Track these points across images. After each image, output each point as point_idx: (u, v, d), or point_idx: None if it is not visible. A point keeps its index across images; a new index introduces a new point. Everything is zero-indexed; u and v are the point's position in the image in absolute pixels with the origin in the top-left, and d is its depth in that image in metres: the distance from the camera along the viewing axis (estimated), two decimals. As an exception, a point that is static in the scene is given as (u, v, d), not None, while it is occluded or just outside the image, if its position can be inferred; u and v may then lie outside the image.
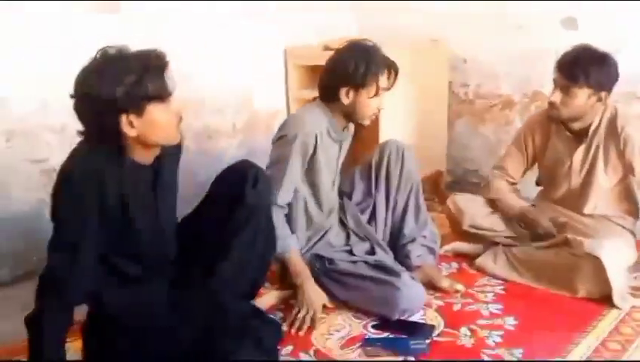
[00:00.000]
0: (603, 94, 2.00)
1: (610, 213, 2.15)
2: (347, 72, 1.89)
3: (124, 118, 1.39)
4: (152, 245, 1.60)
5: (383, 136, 2.69)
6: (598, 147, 2.09)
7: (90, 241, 1.44)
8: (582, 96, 1.99)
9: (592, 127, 2.08)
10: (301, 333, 1.82)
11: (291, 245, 1.93)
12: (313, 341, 1.79)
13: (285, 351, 1.73)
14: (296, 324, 1.85)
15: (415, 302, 1.90)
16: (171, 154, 1.61)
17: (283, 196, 1.94)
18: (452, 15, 3.07)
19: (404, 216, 2.17)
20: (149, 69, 1.39)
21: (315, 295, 1.91)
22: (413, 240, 2.14)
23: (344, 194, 2.25)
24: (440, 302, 2.01)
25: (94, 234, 1.45)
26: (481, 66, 3.08)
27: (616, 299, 1.91)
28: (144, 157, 1.51)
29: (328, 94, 1.97)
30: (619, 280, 1.98)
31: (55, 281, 1.42)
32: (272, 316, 1.85)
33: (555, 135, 2.19)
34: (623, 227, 2.15)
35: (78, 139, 1.47)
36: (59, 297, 1.42)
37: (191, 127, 2.76)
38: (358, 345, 1.76)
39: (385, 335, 1.81)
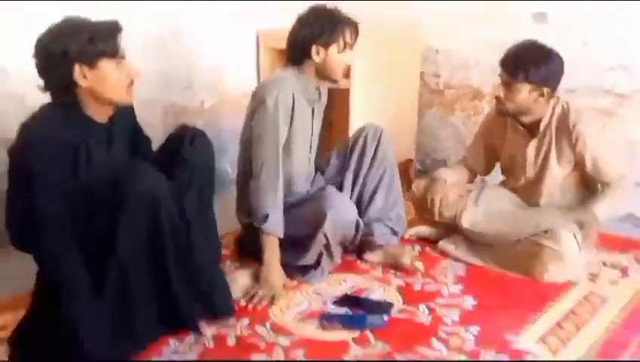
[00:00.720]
0: (545, 90, 2.03)
1: (567, 203, 2.18)
2: (315, 31, 1.94)
3: (77, 68, 1.49)
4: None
5: (354, 124, 2.69)
6: (550, 141, 2.12)
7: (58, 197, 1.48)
8: (523, 92, 2.02)
9: (543, 123, 2.11)
10: (259, 308, 1.80)
11: (278, 229, 1.91)
12: (271, 315, 1.77)
13: (241, 323, 1.71)
14: (255, 301, 1.82)
15: (342, 210, 1.92)
16: (125, 116, 1.67)
17: (274, 172, 1.91)
18: (425, 5, 3.08)
19: (374, 195, 2.16)
20: (101, 29, 1.53)
21: (277, 276, 1.91)
22: (378, 220, 2.14)
23: (319, 170, 2.26)
24: (401, 282, 2.00)
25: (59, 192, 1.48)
26: (452, 57, 3.10)
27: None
28: (98, 113, 1.58)
29: (298, 55, 1.99)
30: (577, 268, 2.02)
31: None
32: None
33: (510, 129, 2.22)
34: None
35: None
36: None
37: (158, 102, 2.72)
38: (316, 319, 1.74)
39: (344, 311, 1.80)
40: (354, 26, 2.00)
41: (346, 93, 2.84)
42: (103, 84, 1.52)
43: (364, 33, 2.81)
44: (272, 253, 1.92)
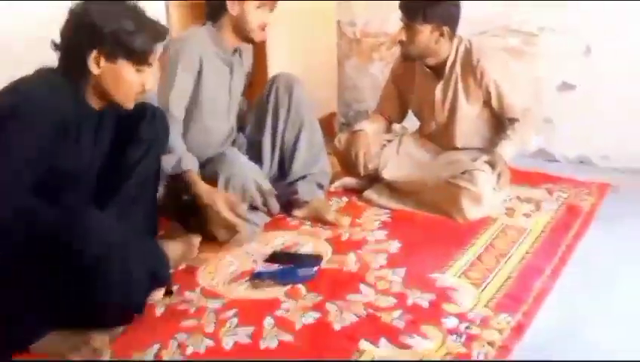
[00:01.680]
0: (445, 29, 2.07)
1: (482, 144, 2.25)
2: None
3: (94, 53, 1.40)
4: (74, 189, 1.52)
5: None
6: (456, 81, 2.17)
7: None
8: (425, 33, 2.07)
9: (448, 63, 2.16)
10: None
11: (189, 164, 1.86)
12: (199, 280, 1.74)
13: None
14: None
15: (236, 170, 1.90)
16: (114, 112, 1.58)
17: (173, 107, 1.87)
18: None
19: (294, 152, 2.13)
20: (145, 28, 1.44)
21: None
22: (303, 177, 2.14)
23: (239, 129, 2.21)
24: (329, 234, 2.02)
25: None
26: (367, 4, 3.07)
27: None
28: (95, 101, 1.50)
29: (215, 10, 1.94)
30: (494, 205, 2.12)
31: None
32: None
33: (418, 73, 2.26)
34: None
35: None
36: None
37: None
38: (246, 279, 1.74)
39: (274, 267, 1.80)
40: None
41: (262, 48, 2.77)
42: (113, 81, 1.44)
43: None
44: (206, 191, 1.85)
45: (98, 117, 1.54)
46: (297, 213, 2.14)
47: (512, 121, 2.20)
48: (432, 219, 2.11)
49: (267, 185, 2.01)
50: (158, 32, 1.48)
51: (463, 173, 2.09)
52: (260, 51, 2.72)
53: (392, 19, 2.98)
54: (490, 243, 1.93)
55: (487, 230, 2.02)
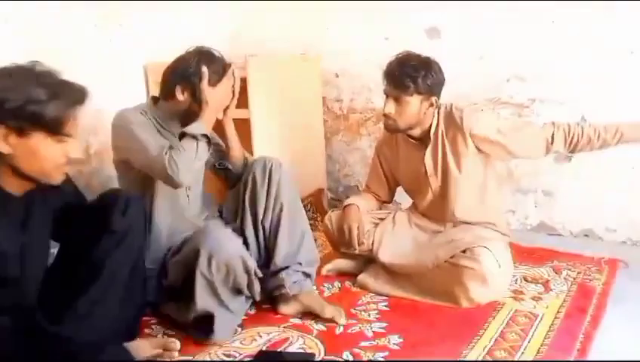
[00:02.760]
0: (434, 99, 1.97)
1: (478, 217, 2.09)
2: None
3: (2, 130, 1.24)
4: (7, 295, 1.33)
5: (257, 154, 2.51)
6: (443, 145, 2.03)
7: None
8: (415, 104, 1.95)
9: (432, 129, 2.03)
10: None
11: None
12: (176, 388, 1.53)
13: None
14: None
15: (218, 245, 1.69)
16: (49, 194, 1.42)
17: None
18: (321, 29, 3.00)
19: (275, 241, 1.93)
20: (63, 94, 1.28)
21: None
22: (286, 268, 1.91)
23: (220, 212, 2.07)
24: (322, 327, 1.82)
25: None
26: (352, 80, 3.02)
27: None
28: (12, 186, 1.32)
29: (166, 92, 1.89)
30: (500, 286, 1.94)
31: None
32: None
33: (402, 146, 2.14)
34: (494, 229, 2.09)
35: None
36: None
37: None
38: (227, 387, 1.52)
39: (259, 371, 1.59)
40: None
41: (246, 124, 2.67)
42: (30, 158, 1.27)
43: (262, 64, 2.67)
44: None
45: (24, 204, 1.37)
46: (284, 309, 1.92)
47: (537, 156, 2.04)
48: (434, 307, 1.92)
49: (253, 264, 1.79)
50: (75, 95, 1.32)
51: (463, 251, 1.93)
52: (245, 127, 2.62)
53: (375, 95, 2.97)
54: (499, 334, 1.74)
55: (494, 318, 1.83)
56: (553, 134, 1.95)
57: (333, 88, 3.08)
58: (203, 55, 1.85)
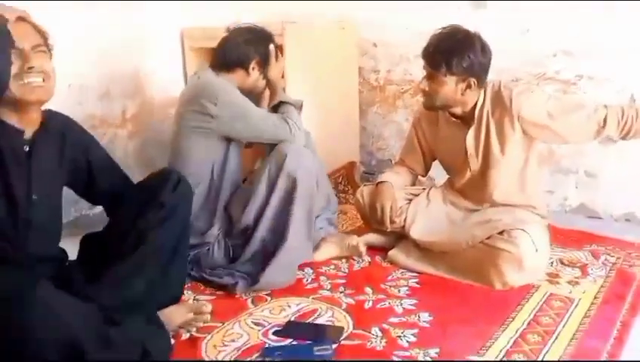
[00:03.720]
0: (472, 81, 1.87)
1: (518, 200, 2.02)
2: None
3: None
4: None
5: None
6: (488, 126, 1.95)
7: None
8: (449, 84, 1.87)
9: (478, 107, 1.94)
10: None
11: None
12: (204, 355, 1.54)
13: (169, 368, 1.47)
14: None
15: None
16: (53, 135, 1.48)
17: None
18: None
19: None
20: None
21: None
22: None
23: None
24: (350, 300, 1.81)
25: None
26: (390, 50, 2.94)
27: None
28: (18, 121, 1.38)
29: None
30: (536, 270, 1.89)
31: None
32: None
33: (443, 123, 2.06)
34: (533, 212, 2.04)
35: None
36: None
37: (71, 115, 2.43)
38: (255, 356, 1.53)
39: (287, 342, 1.59)
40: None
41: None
42: None
43: (299, 31, 2.62)
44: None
45: (35, 146, 1.43)
46: (317, 256, 2.08)
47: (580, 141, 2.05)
48: (466, 286, 1.88)
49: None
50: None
51: (500, 233, 1.87)
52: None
53: (414, 67, 2.89)
54: (533, 317, 1.70)
55: (528, 301, 1.79)
56: (606, 117, 1.84)
57: (371, 59, 3.01)
58: (261, 33, 2.08)
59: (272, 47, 2.07)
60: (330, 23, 2.86)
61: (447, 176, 2.22)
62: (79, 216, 2.46)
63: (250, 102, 1.98)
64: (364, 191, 2.19)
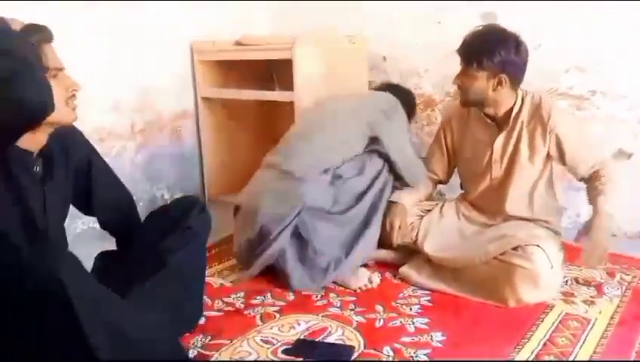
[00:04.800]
0: (504, 78, 1.87)
1: (531, 214, 2.00)
2: None
3: None
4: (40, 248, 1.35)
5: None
6: (520, 134, 1.95)
7: None
8: (480, 80, 1.88)
9: (514, 112, 1.94)
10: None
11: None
12: (212, 373, 1.51)
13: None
14: None
15: None
16: (57, 151, 1.44)
17: None
18: (370, 12, 2.91)
19: None
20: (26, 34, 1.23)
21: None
22: None
23: None
24: (361, 319, 1.78)
25: None
26: (400, 64, 2.92)
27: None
28: (27, 143, 1.30)
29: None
30: (551, 288, 1.85)
31: None
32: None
33: (474, 122, 2.06)
34: (548, 228, 2.01)
35: None
36: None
37: (80, 127, 2.42)
38: (265, 374, 1.50)
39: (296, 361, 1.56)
40: None
41: (290, 107, 2.62)
42: None
43: (309, 45, 2.62)
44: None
45: (42, 161, 1.39)
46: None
47: (584, 179, 1.98)
48: (480, 305, 1.85)
49: None
50: (40, 33, 1.27)
51: (514, 248, 1.84)
52: (289, 110, 2.58)
53: (425, 81, 2.87)
54: (549, 337, 1.66)
55: (543, 320, 1.75)
56: (599, 171, 1.93)
57: (381, 72, 2.99)
58: None
59: None
60: (341, 37, 2.86)
61: (461, 191, 2.20)
62: (86, 228, 2.45)
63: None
64: None
